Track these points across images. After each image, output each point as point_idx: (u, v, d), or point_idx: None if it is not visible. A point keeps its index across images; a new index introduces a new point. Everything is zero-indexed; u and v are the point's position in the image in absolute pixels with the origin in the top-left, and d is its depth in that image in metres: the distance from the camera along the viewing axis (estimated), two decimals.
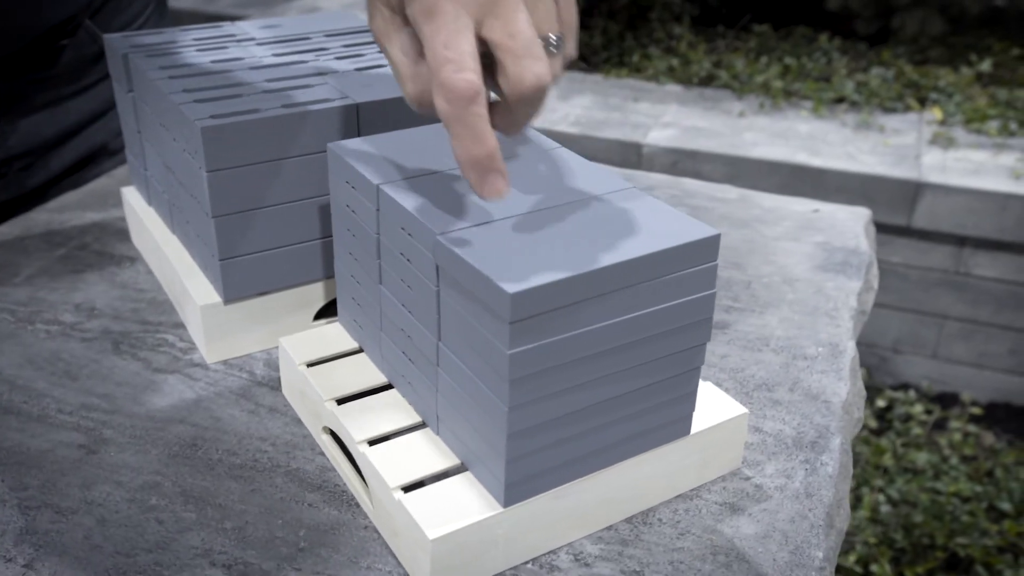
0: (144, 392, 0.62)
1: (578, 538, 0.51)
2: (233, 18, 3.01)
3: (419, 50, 0.46)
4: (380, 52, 0.66)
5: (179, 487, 0.54)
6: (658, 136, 2.28)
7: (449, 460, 0.50)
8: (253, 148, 0.58)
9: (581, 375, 0.45)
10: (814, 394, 0.64)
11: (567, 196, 0.50)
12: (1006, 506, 1.78)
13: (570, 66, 2.80)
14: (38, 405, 0.61)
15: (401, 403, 0.55)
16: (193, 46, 0.70)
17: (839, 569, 1.64)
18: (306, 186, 0.61)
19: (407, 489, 0.48)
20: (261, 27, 0.75)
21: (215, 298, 0.63)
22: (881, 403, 2.12)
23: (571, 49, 0.48)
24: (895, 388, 2.22)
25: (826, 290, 0.77)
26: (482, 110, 0.43)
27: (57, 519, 0.52)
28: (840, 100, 2.52)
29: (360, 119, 0.61)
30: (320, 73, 0.65)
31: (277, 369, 0.64)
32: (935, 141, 2.26)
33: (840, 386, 0.65)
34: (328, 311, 0.68)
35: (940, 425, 2.08)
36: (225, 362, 0.65)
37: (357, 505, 0.53)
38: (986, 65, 2.61)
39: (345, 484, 0.54)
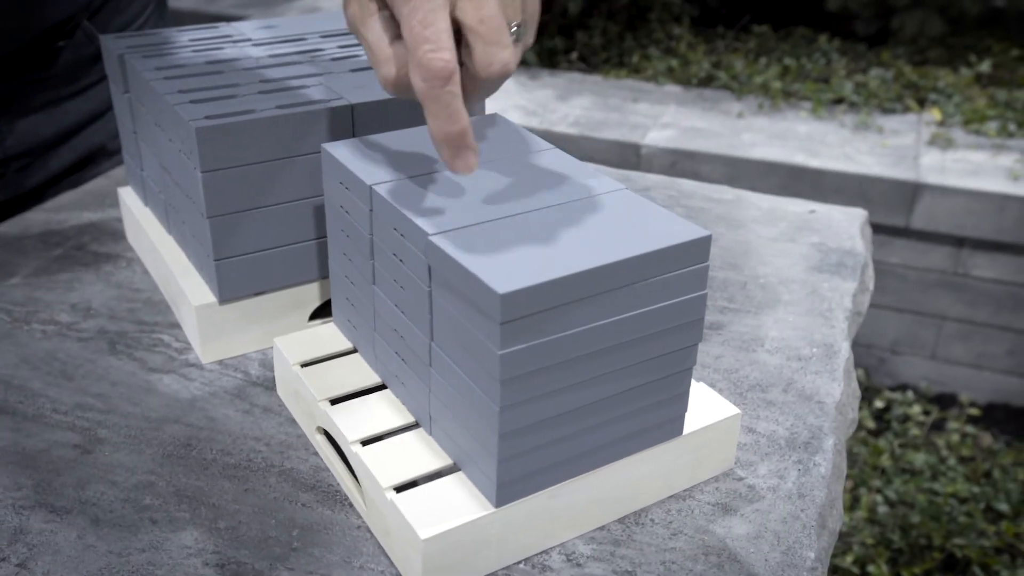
0: (139, 392, 0.62)
1: (570, 538, 0.51)
2: (234, 18, 3.02)
3: (394, 33, 0.47)
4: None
5: (173, 487, 0.54)
6: (657, 137, 2.28)
7: (442, 460, 0.51)
8: (248, 149, 0.58)
9: (572, 375, 0.45)
10: (808, 395, 0.64)
11: (559, 197, 0.50)
12: (1003, 507, 1.78)
13: (569, 67, 2.81)
14: (33, 405, 0.61)
15: (394, 403, 0.55)
16: (189, 47, 0.71)
17: (836, 569, 1.64)
18: (301, 187, 0.62)
19: (400, 489, 0.48)
20: (257, 28, 0.76)
21: (210, 298, 0.63)
22: (879, 404, 2.12)
23: (530, 38, 0.50)
24: (893, 389, 2.22)
25: (821, 291, 0.77)
26: (456, 89, 0.45)
27: (51, 518, 0.52)
28: (839, 101, 2.52)
29: (355, 120, 0.61)
30: (315, 74, 0.66)
31: (272, 369, 0.64)
32: (934, 142, 2.26)
33: (834, 387, 0.65)
34: (323, 311, 0.68)
35: (938, 426, 2.08)
36: (220, 362, 0.65)
37: (350, 505, 0.53)
38: (985, 66, 2.61)
39: (339, 484, 0.54)
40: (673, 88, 2.65)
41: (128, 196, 0.78)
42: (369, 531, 0.51)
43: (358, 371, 0.58)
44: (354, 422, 0.53)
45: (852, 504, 1.79)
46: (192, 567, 0.49)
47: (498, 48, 0.46)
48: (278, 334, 0.66)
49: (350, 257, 0.56)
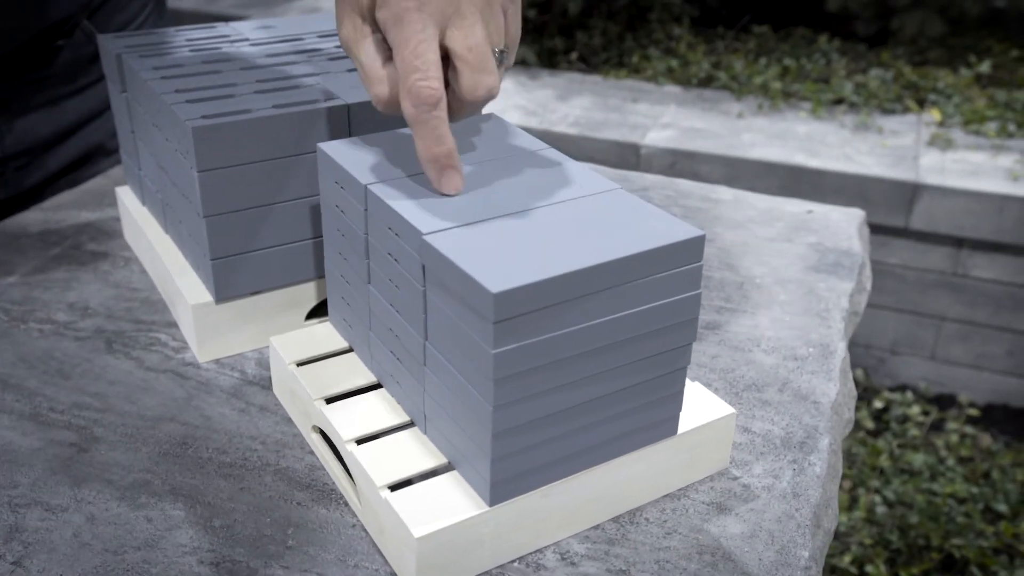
0: (136, 391, 0.62)
1: (565, 537, 0.51)
2: (234, 18, 3.02)
3: (386, 55, 0.50)
4: None
5: (169, 485, 0.54)
6: (656, 137, 2.28)
7: (436, 459, 0.51)
8: (244, 148, 0.59)
9: (566, 375, 0.45)
10: (804, 395, 0.64)
11: (553, 197, 0.50)
12: (1002, 507, 1.78)
13: (570, 67, 2.81)
14: (30, 403, 0.61)
15: (390, 402, 0.55)
16: (186, 46, 0.71)
17: (834, 569, 1.64)
18: (298, 186, 0.62)
19: (394, 488, 0.49)
20: (255, 28, 0.76)
21: (207, 297, 0.64)
22: (878, 404, 2.12)
23: (511, 61, 0.53)
24: (893, 389, 2.22)
25: (818, 291, 0.77)
26: (443, 114, 0.48)
27: (47, 516, 0.52)
28: (839, 101, 2.52)
29: (351, 120, 0.61)
30: (312, 74, 0.66)
31: (268, 368, 0.64)
32: (933, 142, 2.26)
33: (830, 387, 0.65)
34: (320, 311, 0.68)
35: (937, 426, 2.08)
36: (217, 361, 0.65)
37: (345, 503, 0.53)
38: (985, 66, 2.61)
39: (334, 483, 0.55)
40: (673, 88, 2.65)
41: (126, 195, 0.78)
42: (364, 530, 0.51)
43: (354, 370, 0.58)
44: (349, 421, 0.53)
45: (850, 504, 1.79)
46: (187, 565, 0.49)
47: (484, 75, 0.49)
48: (274, 333, 0.66)
49: (345, 256, 0.56)
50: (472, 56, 0.48)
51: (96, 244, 0.80)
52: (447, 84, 0.50)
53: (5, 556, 0.49)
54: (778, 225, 0.88)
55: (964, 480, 1.86)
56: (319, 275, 0.66)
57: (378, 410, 0.54)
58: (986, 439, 2.03)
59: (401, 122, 0.62)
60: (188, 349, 0.66)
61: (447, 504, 0.47)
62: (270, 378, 0.63)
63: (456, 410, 0.47)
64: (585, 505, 0.51)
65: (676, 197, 0.92)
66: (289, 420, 0.60)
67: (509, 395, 0.44)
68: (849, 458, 1.93)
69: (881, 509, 1.77)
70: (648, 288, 0.46)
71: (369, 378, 0.57)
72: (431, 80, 0.47)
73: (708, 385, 0.64)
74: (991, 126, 2.34)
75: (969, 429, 2.05)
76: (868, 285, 0.82)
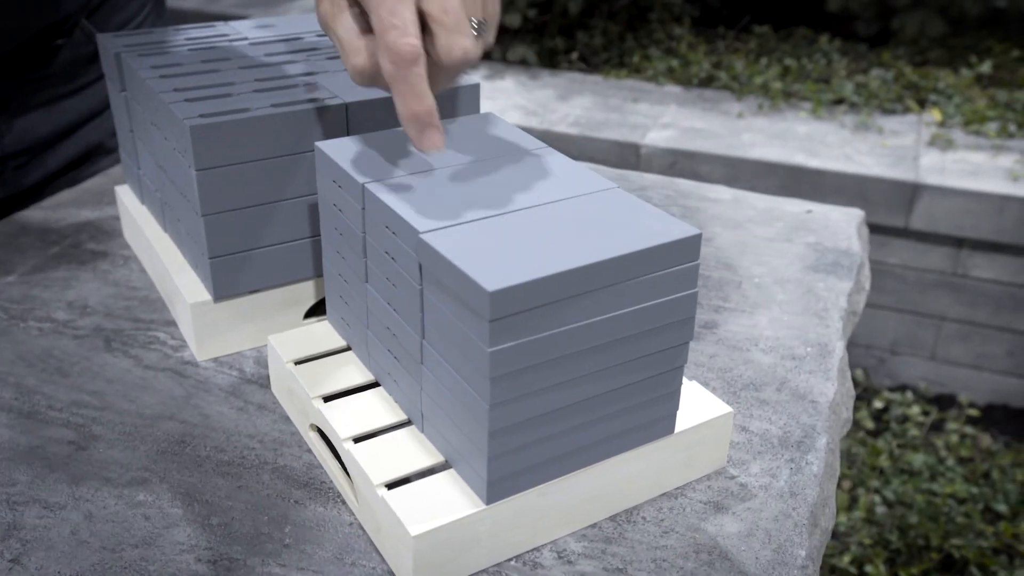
0: (134, 389, 0.62)
1: (562, 536, 0.51)
2: (235, 18, 3.02)
3: (363, 27, 0.51)
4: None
5: (167, 483, 0.54)
6: (656, 137, 2.28)
7: (433, 457, 0.51)
8: (243, 147, 0.59)
9: (563, 373, 0.46)
10: (801, 394, 0.64)
11: (551, 195, 0.50)
12: (1002, 507, 1.78)
13: (570, 67, 2.81)
14: (29, 402, 0.61)
15: (387, 401, 0.55)
16: (185, 45, 0.71)
17: (834, 569, 1.64)
18: (296, 185, 0.62)
19: (391, 486, 0.49)
20: (254, 27, 0.76)
21: (205, 296, 0.64)
22: (878, 404, 2.12)
23: (490, 37, 0.53)
24: (893, 389, 2.22)
25: (817, 291, 0.77)
26: (422, 71, 0.48)
27: (45, 514, 0.52)
28: (839, 101, 2.52)
29: (349, 118, 0.61)
30: (310, 73, 0.66)
31: (266, 367, 0.65)
32: (934, 143, 2.26)
33: (828, 386, 0.65)
34: (318, 309, 0.68)
35: (937, 427, 2.08)
36: (215, 360, 0.65)
37: (343, 502, 0.53)
38: (986, 67, 2.61)
39: (331, 481, 0.55)
40: (673, 88, 2.65)
41: (125, 194, 0.78)
42: (361, 528, 0.51)
43: (351, 369, 0.58)
44: (347, 419, 0.53)
45: (850, 504, 1.79)
46: (185, 563, 0.49)
47: (459, 36, 0.49)
48: (273, 332, 0.66)
49: (343, 255, 0.56)
50: (447, 18, 0.49)
51: (95, 243, 0.80)
52: (425, 52, 0.50)
53: (3, 554, 0.49)
54: (777, 225, 0.88)
55: (964, 480, 1.86)
56: (317, 274, 0.66)
57: (375, 408, 0.54)
58: (986, 439, 2.03)
59: (399, 122, 0.62)
60: (187, 347, 0.67)
61: (444, 502, 0.47)
62: (268, 376, 0.63)
63: (453, 408, 0.47)
64: (582, 504, 0.51)
65: (675, 197, 0.92)
66: (287, 418, 0.60)
67: (505, 393, 0.44)
68: (849, 458, 1.93)
69: (881, 509, 1.77)
70: (644, 287, 0.46)
71: (367, 376, 0.57)
72: (409, 36, 0.48)
73: (706, 384, 0.64)
74: (991, 126, 2.34)
75: (969, 429, 2.05)
76: (867, 285, 0.83)
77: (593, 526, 0.52)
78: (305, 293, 0.67)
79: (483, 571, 0.49)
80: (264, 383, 0.63)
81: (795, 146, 2.24)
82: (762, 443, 0.59)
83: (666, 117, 2.42)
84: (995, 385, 2.19)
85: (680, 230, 0.46)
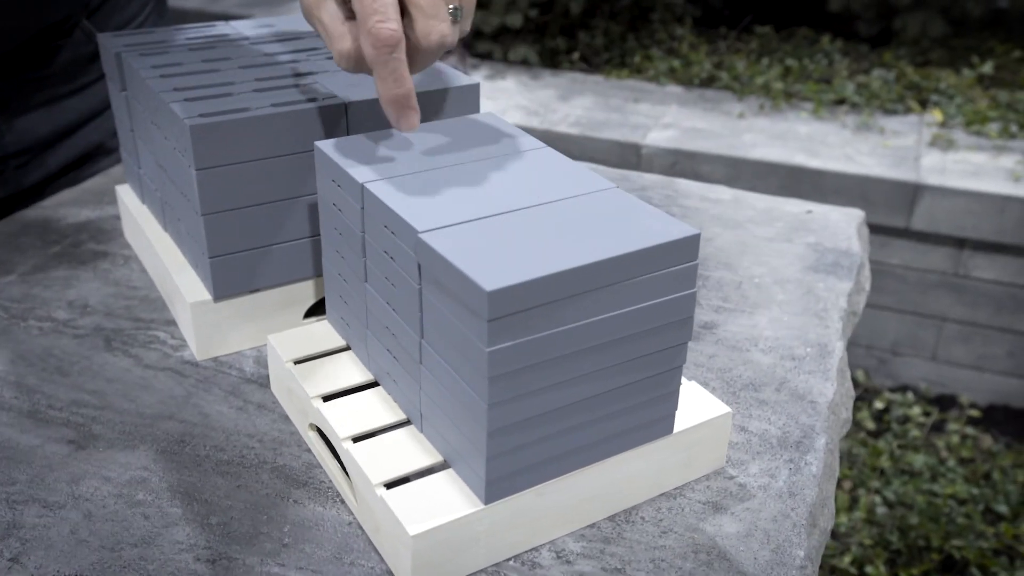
0: (134, 388, 0.62)
1: (560, 536, 0.51)
2: (238, 17, 3.02)
3: (347, 14, 0.53)
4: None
5: (166, 482, 0.54)
6: (657, 137, 2.28)
7: (432, 457, 0.51)
8: (242, 147, 0.59)
9: (561, 373, 0.46)
10: (801, 394, 0.64)
11: (550, 195, 0.50)
12: (1003, 508, 1.78)
13: (572, 67, 2.81)
14: (29, 401, 0.61)
15: (386, 400, 0.55)
16: (186, 45, 0.71)
17: (834, 570, 1.64)
18: (296, 184, 0.62)
19: (390, 486, 0.49)
20: (254, 27, 0.76)
21: (205, 295, 0.64)
22: (879, 405, 2.12)
23: (467, 25, 0.56)
24: (893, 390, 2.21)
25: (816, 291, 0.77)
26: (402, 55, 0.51)
27: (44, 513, 0.52)
28: (841, 102, 2.52)
29: (348, 118, 0.61)
30: (310, 72, 0.66)
31: (266, 366, 0.65)
32: (935, 143, 2.26)
33: (827, 387, 0.65)
34: (318, 309, 0.68)
35: (938, 427, 2.08)
36: (215, 359, 0.66)
37: (342, 501, 0.53)
38: (987, 67, 2.61)
39: (331, 481, 0.55)
40: (675, 88, 2.65)
41: (126, 194, 0.78)
42: (360, 527, 0.51)
43: (351, 368, 0.58)
44: (346, 419, 0.53)
45: (851, 505, 1.79)
46: (184, 562, 0.49)
47: (436, 21, 0.52)
48: (273, 331, 0.66)
49: (343, 254, 0.56)
50: (425, 4, 0.51)
51: (96, 242, 0.80)
52: (404, 35, 0.53)
53: (3, 553, 0.49)
54: (777, 225, 0.88)
55: (965, 481, 1.86)
56: (317, 273, 0.66)
57: (375, 408, 0.54)
58: (987, 440, 2.02)
59: None
60: (187, 347, 0.67)
61: (443, 502, 0.47)
62: (268, 376, 0.63)
63: (452, 408, 0.47)
64: (581, 504, 0.51)
65: (675, 197, 0.92)
66: (287, 418, 0.60)
67: (504, 393, 0.44)
68: (850, 459, 1.93)
69: (881, 510, 1.77)
70: (643, 287, 0.46)
71: (366, 376, 0.57)
72: (390, 22, 0.50)
73: (705, 384, 0.64)
74: (993, 127, 2.34)
75: (970, 430, 2.05)
76: (867, 285, 0.82)
77: (592, 526, 0.52)
78: (305, 293, 0.67)
79: (482, 571, 0.49)
80: (264, 383, 0.63)
81: (796, 146, 2.23)
82: (761, 443, 0.59)
83: (667, 117, 2.42)
84: (996, 386, 2.19)
85: (679, 230, 0.46)
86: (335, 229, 0.56)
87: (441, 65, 0.69)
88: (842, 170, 2.11)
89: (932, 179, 2.06)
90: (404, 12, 0.52)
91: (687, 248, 0.46)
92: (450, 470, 0.50)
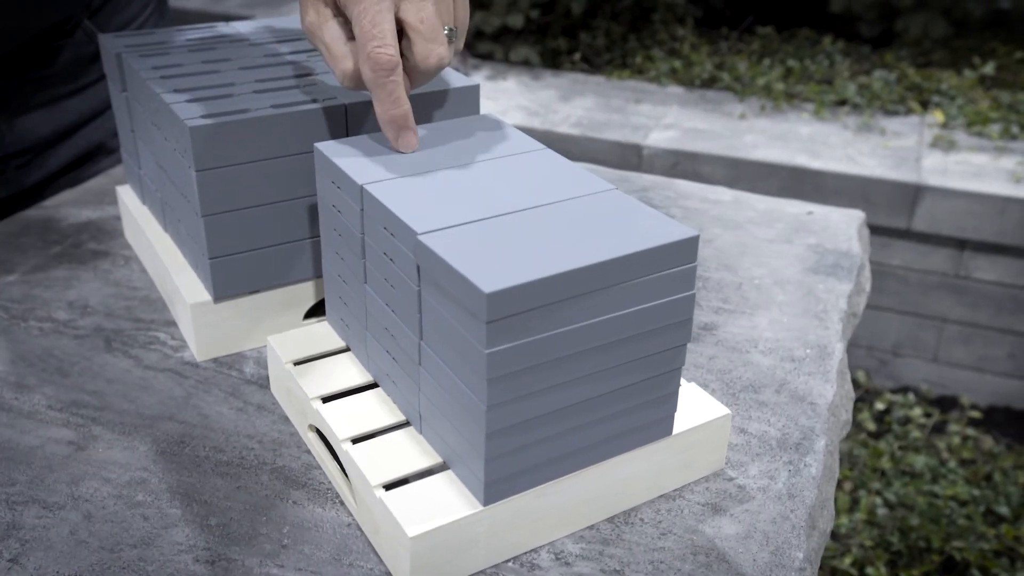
0: (134, 389, 0.62)
1: (559, 537, 0.51)
2: (239, 18, 3.03)
3: (347, 35, 0.55)
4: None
5: (165, 483, 0.54)
6: (658, 138, 2.28)
7: (431, 459, 0.51)
8: (243, 148, 0.59)
9: (560, 375, 0.46)
10: (800, 396, 0.64)
11: (549, 197, 0.50)
12: (1004, 510, 1.78)
13: (573, 67, 2.80)
14: (29, 401, 0.61)
15: (386, 402, 0.55)
16: (186, 46, 0.71)
17: (835, 571, 1.64)
18: (296, 186, 0.62)
19: (389, 487, 0.49)
20: (254, 28, 0.76)
21: (205, 296, 0.64)
22: (880, 406, 2.12)
23: (460, 43, 0.58)
24: (894, 391, 2.21)
25: (816, 292, 0.77)
26: (399, 78, 0.53)
27: (44, 514, 0.52)
28: (842, 103, 2.52)
29: (348, 120, 0.61)
30: (310, 74, 0.66)
31: (266, 367, 0.65)
32: (936, 144, 2.26)
33: (827, 388, 0.65)
34: (318, 310, 0.68)
35: (939, 428, 2.08)
36: (215, 360, 0.66)
37: (341, 502, 0.53)
38: (989, 68, 2.61)
39: (330, 482, 0.55)
40: (676, 89, 2.65)
41: (126, 194, 0.78)
42: (359, 529, 0.52)
43: (350, 369, 0.58)
44: (345, 420, 0.53)
45: (851, 506, 1.79)
46: (183, 563, 0.49)
47: (435, 44, 0.54)
48: (272, 332, 0.66)
49: (342, 256, 0.56)
50: (424, 27, 0.53)
51: (96, 243, 0.80)
52: (402, 56, 0.55)
53: (2, 553, 0.49)
54: (777, 226, 0.88)
55: (965, 482, 1.86)
56: (317, 275, 0.66)
57: (374, 409, 0.54)
58: (988, 441, 2.02)
59: None
60: (187, 348, 0.67)
61: (441, 503, 0.47)
62: (268, 377, 0.64)
63: (451, 410, 0.47)
64: (580, 505, 0.51)
65: (676, 198, 0.92)
66: (286, 419, 0.60)
67: (503, 395, 0.44)
68: (850, 460, 1.93)
69: (882, 511, 1.77)
70: (642, 288, 0.46)
71: (366, 377, 0.57)
72: (387, 47, 0.52)
73: (705, 386, 0.64)
74: (994, 128, 2.34)
75: (971, 431, 2.05)
76: (867, 287, 0.82)
77: (591, 528, 0.52)
78: (305, 294, 0.67)
79: (480, 572, 0.49)
80: (263, 384, 0.63)
81: (797, 147, 2.23)
82: (761, 445, 0.59)
83: (668, 118, 2.42)
84: (997, 387, 2.19)
85: (678, 232, 0.46)
86: (335, 230, 0.56)
87: None
88: (843, 171, 2.11)
89: (933, 180, 2.06)
90: (402, 34, 0.54)
91: (686, 250, 0.46)
92: (449, 471, 0.50)
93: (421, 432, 0.52)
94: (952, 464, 1.91)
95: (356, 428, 0.53)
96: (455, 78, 0.67)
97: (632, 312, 0.46)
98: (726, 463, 0.57)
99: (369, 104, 0.62)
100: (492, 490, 0.47)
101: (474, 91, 0.66)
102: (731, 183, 2.11)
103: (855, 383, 2.19)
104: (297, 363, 0.59)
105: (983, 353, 2.17)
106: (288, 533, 0.51)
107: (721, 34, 3.09)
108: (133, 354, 0.66)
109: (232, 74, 0.65)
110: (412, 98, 0.60)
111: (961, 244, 2.09)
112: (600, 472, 0.51)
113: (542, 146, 0.57)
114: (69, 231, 0.82)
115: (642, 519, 0.53)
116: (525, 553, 0.50)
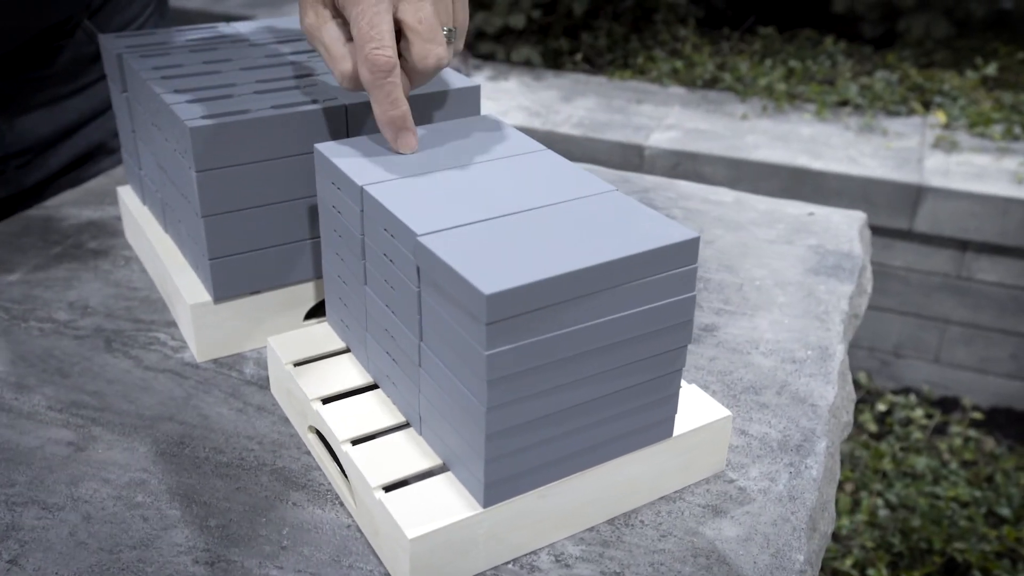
0: (134, 390, 0.62)
1: (559, 539, 0.51)
2: (240, 18, 3.03)
3: (346, 36, 0.55)
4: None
5: (165, 484, 0.54)
6: (660, 138, 2.28)
7: (431, 460, 0.51)
8: (243, 148, 0.59)
9: (560, 376, 0.45)
10: (801, 397, 0.64)
11: (549, 198, 0.50)
12: (1005, 511, 1.77)
13: (575, 68, 2.80)
14: (29, 402, 0.61)
15: (386, 403, 0.55)
16: (187, 47, 0.71)
17: (836, 573, 1.63)
18: (296, 186, 0.62)
19: (389, 488, 0.49)
20: (255, 28, 0.76)
21: (206, 297, 0.64)
22: (882, 407, 2.12)
23: (460, 44, 0.58)
24: (896, 392, 2.21)
25: (817, 293, 0.77)
26: (397, 80, 0.53)
27: (43, 515, 0.52)
28: (844, 103, 2.52)
29: (348, 120, 0.61)
30: (311, 75, 0.66)
31: (266, 368, 0.65)
32: (938, 145, 2.26)
33: (828, 390, 0.65)
34: (318, 311, 0.68)
35: (941, 430, 2.07)
36: (215, 361, 0.65)
37: (341, 504, 0.53)
38: (991, 69, 2.60)
39: (330, 483, 0.55)
40: (677, 90, 2.65)
41: (127, 195, 0.78)
42: (359, 530, 0.51)
43: (350, 371, 0.58)
44: (345, 421, 0.53)
45: (853, 507, 1.79)
46: (182, 564, 0.49)
47: (433, 45, 0.53)
48: (273, 333, 0.66)
49: (342, 257, 0.56)
50: (422, 28, 0.53)
51: (97, 243, 0.80)
52: (401, 57, 0.54)
53: (1, 554, 0.49)
54: (779, 227, 0.87)
55: (967, 484, 1.86)
56: (317, 276, 0.66)
57: (374, 411, 0.54)
58: (989, 443, 2.02)
59: None
60: (187, 348, 0.67)
61: (441, 505, 0.47)
62: (268, 378, 0.63)
63: (450, 411, 0.47)
64: (580, 507, 0.51)
65: (677, 199, 0.92)
66: (286, 420, 0.60)
67: (503, 396, 0.44)
68: (852, 461, 1.93)
69: (883, 512, 1.77)
70: (642, 290, 0.46)
71: (366, 379, 0.57)
72: (385, 49, 0.52)
73: (706, 387, 0.64)
74: (996, 128, 2.33)
75: (972, 432, 2.04)
76: (868, 288, 0.82)
77: (591, 529, 0.52)
78: (305, 295, 0.67)
79: (480, 574, 0.49)
80: (264, 384, 0.63)
81: (799, 148, 2.23)
82: (761, 447, 0.59)
83: (670, 118, 2.41)
84: (999, 388, 2.18)
85: (678, 233, 0.46)
86: (335, 231, 0.56)
87: None
88: (845, 172, 2.11)
89: (935, 181, 2.06)
90: (401, 35, 0.54)
91: (686, 251, 0.46)
92: (449, 473, 0.50)
93: (421, 433, 0.52)
94: (954, 465, 1.91)
95: (356, 429, 0.53)
96: (456, 79, 0.67)
97: (632, 314, 0.46)
98: (727, 465, 0.57)
99: (369, 105, 0.62)
100: (492, 492, 0.47)
101: (475, 92, 0.66)
102: (732, 184, 2.11)
103: (856, 384, 2.19)
104: (297, 364, 0.58)
105: (985, 354, 2.17)
106: (288, 534, 0.51)
107: (723, 34, 3.09)
108: (133, 355, 0.66)
109: (233, 75, 0.65)
110: (412, 99, 0.60)
111: (963, 245, 2.09)
112: (600, 474, 0.51)
113: (542, 147, 0.57)
114: (70, 231, 0.82)
115: (642, 521, 0.53)
116: (525, 555, 0.50)
